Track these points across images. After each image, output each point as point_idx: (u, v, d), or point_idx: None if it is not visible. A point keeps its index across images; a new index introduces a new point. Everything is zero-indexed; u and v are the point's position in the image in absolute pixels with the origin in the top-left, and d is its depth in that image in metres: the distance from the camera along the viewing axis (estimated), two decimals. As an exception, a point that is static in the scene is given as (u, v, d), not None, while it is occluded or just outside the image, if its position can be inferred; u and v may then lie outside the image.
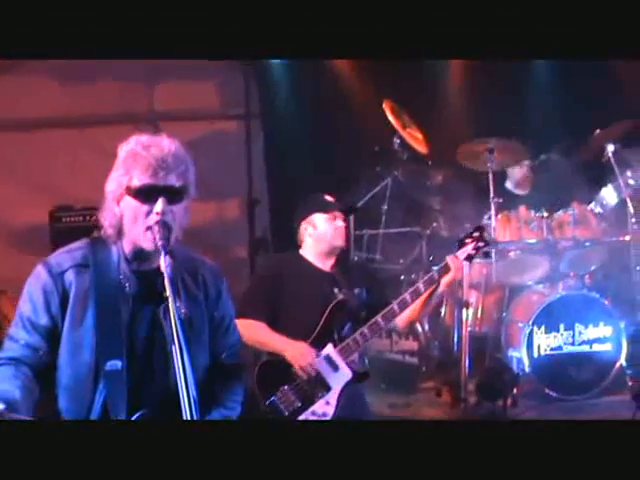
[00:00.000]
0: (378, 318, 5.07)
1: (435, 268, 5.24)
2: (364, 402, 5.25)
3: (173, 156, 2.96)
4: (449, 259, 5.21)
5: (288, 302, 5.12)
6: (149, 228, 2.94)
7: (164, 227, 2.91)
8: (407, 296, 5.13)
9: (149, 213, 2.94)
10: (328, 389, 4.95)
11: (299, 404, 4.89)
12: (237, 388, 3.35)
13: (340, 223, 5.26)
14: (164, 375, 3.04)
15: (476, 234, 5.34)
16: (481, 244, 5.35)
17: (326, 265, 5.27)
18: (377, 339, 6.54)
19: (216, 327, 3.26)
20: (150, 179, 2.92)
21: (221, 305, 3.29)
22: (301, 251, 5.32)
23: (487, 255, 5.73)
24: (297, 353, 4.93)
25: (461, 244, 5.34)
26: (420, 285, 5.17)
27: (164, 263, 2.84)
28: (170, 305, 2.76)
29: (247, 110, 8.89)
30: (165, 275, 2.81)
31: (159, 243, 2.88)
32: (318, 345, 4.99)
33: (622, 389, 6.83)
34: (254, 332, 4.97)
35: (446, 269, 5.19)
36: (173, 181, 2.95)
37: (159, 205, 2.93)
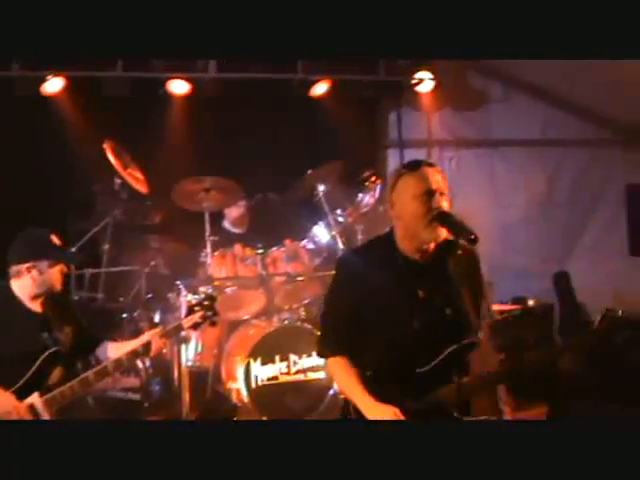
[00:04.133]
0: (90, 374, 5.01)
1: (144, 336, 5.22)
2: None
3: None
4: (151, 336, 5.19)
5: None
6: None
7: None
8: (124, 357, 5.06)
9: None
10: None
11: None
12: None
13: (64, 270, 5.18)
14: None
15: (207, 302, 5.31)
16: (209, 313, 5.30)
17: (35, 305, 5.19)
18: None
19: None
20: None
21: None
22: (13, 285, 5.12)
23: (214, 324, 5.72)
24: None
25: (190, 311, 5.30)
26: (139, 349, 5.09)
27: None
28: None
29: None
30: None
31: None
32: (24, 392, 4.89)
33: (336, 413, 7.18)
34: None
35: (149, 344, 5.15)
36: None
37: None
